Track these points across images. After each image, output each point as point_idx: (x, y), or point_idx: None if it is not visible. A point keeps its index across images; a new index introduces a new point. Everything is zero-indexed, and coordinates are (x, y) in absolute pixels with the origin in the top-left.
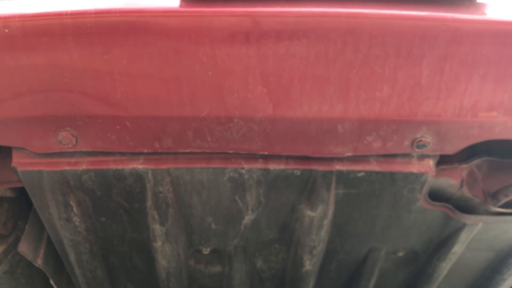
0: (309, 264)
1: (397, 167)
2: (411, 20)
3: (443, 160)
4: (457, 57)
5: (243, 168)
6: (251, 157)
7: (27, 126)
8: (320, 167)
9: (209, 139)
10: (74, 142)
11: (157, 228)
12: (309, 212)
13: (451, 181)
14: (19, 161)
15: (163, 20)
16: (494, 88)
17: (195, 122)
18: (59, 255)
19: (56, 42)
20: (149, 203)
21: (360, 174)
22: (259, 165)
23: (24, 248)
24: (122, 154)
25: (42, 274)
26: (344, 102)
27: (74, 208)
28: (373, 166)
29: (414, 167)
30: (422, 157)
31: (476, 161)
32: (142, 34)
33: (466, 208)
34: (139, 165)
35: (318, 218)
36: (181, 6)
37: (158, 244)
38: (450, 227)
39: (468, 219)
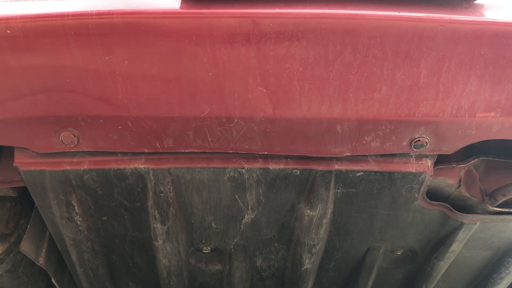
0: (309, 263)
1: (396, 166)
2: (409, 21)
3: (441, 160)
4: (455, 57)
5: (243, 168)
6: (251, 157)
7: (29, 126)
8: (319, 167)
9: (209, 139)
10: (76, 142)
11: (158, 227)
12: (308, 211)
13: (449, 181)
14: (21, 161)
15: (164, 21)
16: (491, 89)
17: (195, 122)
18: (60, 254)
19: (58, 43)
20: (150, 202)
21: (358, 174)
22: (259, 164)
23: (26, 247)
24: (124, 154)
25: (44, 273)
26: (343, 102)
27: (76, 208)
28: (372, 166)
29: (412, 167)
30: (420, 157)
31: (474, 161)
32: (143, 35)
33: (464, 207)
34: (140, 165)
35: (318, 217)
36: (181, 7)
37: (159, 243)
38: (448, 226)
39: (466, 218)
